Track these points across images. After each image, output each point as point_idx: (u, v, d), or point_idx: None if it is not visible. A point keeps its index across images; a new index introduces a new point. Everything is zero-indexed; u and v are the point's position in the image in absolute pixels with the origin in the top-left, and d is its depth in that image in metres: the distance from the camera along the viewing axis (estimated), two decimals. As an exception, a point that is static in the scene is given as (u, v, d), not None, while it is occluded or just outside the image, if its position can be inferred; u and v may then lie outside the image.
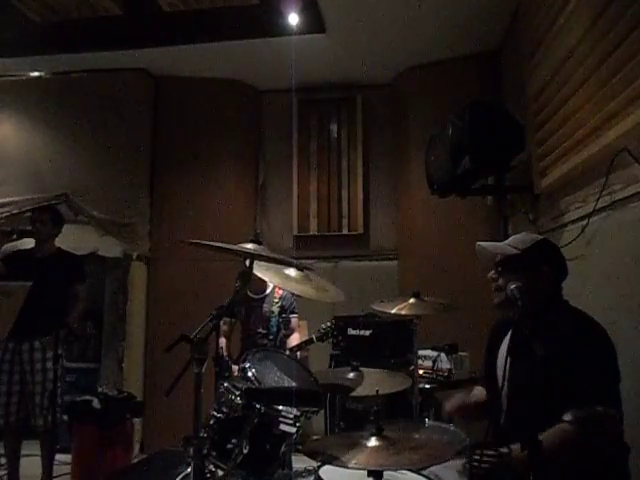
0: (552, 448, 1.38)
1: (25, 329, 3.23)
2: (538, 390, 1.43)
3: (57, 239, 3.61)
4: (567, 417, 1.47)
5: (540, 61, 2.98)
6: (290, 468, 2.33)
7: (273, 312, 3.54)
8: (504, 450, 1.41)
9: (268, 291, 3.61)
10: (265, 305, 3.57)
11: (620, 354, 1.57)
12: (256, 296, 3.58)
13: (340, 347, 3.66)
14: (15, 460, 3.40)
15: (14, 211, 4.43)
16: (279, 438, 1.91)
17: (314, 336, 3.35)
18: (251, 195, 5.05)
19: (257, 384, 1.97)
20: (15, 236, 3.65)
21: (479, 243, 1.84)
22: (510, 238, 1.84)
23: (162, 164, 4.84)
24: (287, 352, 3.30)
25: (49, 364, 3.32)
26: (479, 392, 2.01)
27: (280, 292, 3.59)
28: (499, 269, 1.77)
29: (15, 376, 3.32)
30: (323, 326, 3.35)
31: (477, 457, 1.39)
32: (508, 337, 1.80)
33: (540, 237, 1.85)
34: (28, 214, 4.37)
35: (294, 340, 3.52)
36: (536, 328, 1.38)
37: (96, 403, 3.53)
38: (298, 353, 3.38)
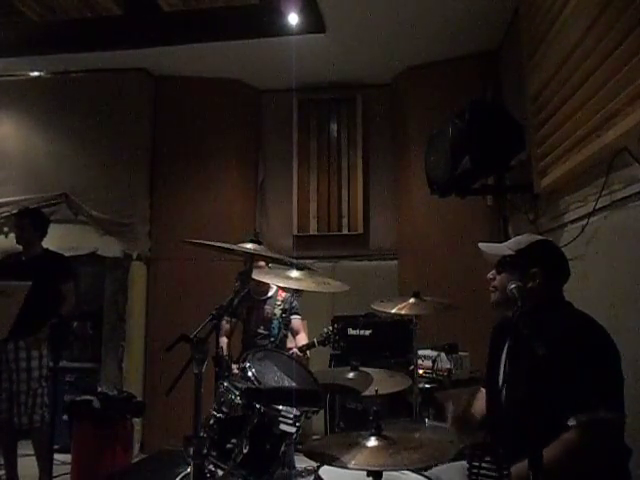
0: (557, 456, 1.38)
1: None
2: (537, 391, 1.43)
3: (57, 239, 3.61)
4: (570, 422, 1.47)
5: (540, 61, 2.98)
6: (293, 467, 2.33)
7: (275, 314, 3.56)
8: (504, 471, 1.39)
9: (271, 293, 3.62)
10: (267, 307, 3.58)
11: (620, 354, 1.57)
12: (258, 297, 3.59)
13: (340, 347, 3.66)
14: (12, 459, 3.40)
15: (14, 211, 4.43)
16: (279, 438, 1.91)
17: (316, 340, 3.36)
18: (251, 195, 5.05)
19: (257, 384, 1.97)
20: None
21: (480, 244, 1.85)
22: (512, 239, 1.85)
23: (162, 164, 4.84)
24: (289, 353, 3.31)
25: (34, 363, 3.36)
26: (482, 400, 2.00)
27: (283, 294, 3.61)
28: (499, 269, 1.79)
29: (3, 375, 3.34)
30: (325, 330, 3.36)
31: (475, 465, 1.39)
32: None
33: (539, 238, 1.84)
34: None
35: (301, 340, 3.52)
36: (535, 328, 1.38)
37: (96, 403, 3.53)
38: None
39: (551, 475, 1.28)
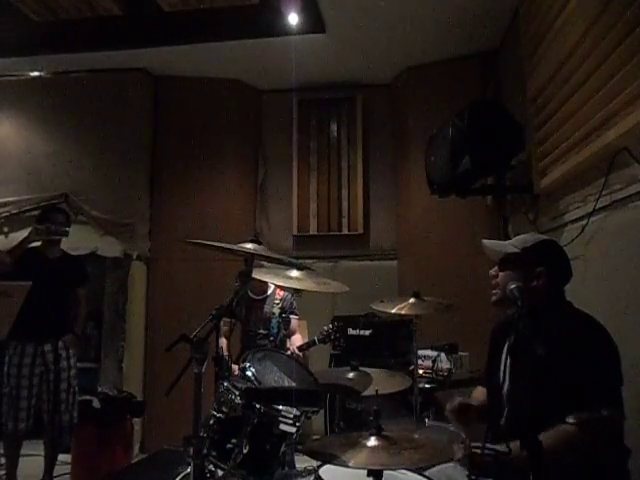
0: (553, 449, 1.37)
1: (45, 330, 3.30)
2: (539, 390, 1.43)
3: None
4: (570, 419, 1.47)
5: (540, 61, 2.98)
6: (293, 467, 2.33)
7: (274, 313, 3.55)
8: (504, 449, 1.40)
9: (269, 292, 3.61)
10: (266, 306, 3.57)
11: (620, 354, 1.57)
12: (257, 297, 3.59)
13: (340, 347, 3.66)
14: (15, 462, 3.39)
15: (14, 211, 4.44)
16: (279, 438, 1.91)
17: (316, 338, 3.36)
18: (251, 195, 5.05)
19: (257, 384, 1.98)
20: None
21: (484, 241, 1.84)
22: (517, 237, 1.85)
23: (162, 164, 4.84)
24: (288, 353, 3.31)
25: (72, 361, 3.43)
26: (479, 394, 2.01)
27: (281, 293, 3.60)
28: (502, 267, 1.78)
29: (35, 379, 3.30)
30: (325, 328, 3.35)
31: (478, 451, 1.39)
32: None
33: (544, 238, 1.84)
34: (28, 214, 4.39)
35: (297, 341, 3.52)
36: (536, 328, 1.38)
37: (96, 403, 3.54)
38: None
39: (548, 465, 1.28)
